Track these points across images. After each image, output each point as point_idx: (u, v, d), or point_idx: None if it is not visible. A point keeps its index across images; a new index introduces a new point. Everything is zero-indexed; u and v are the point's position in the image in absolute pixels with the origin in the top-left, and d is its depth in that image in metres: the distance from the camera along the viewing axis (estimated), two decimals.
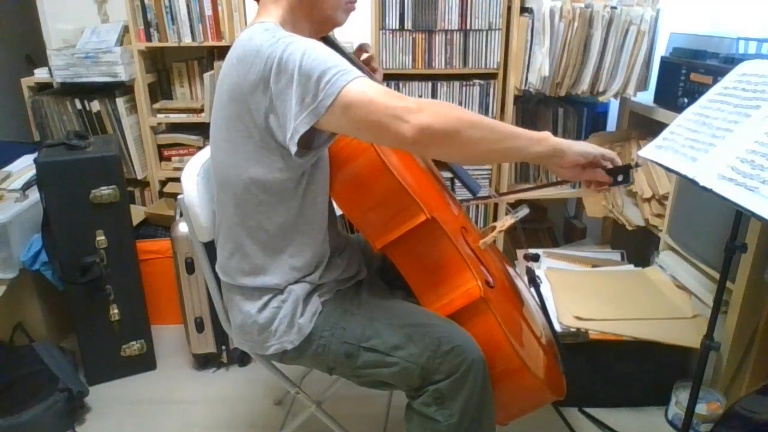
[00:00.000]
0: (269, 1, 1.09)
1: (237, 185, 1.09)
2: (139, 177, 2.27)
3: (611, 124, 2.29)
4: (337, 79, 0.92)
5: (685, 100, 1.79)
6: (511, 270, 1.50)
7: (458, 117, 0.94)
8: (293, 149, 0.99)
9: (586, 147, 1.07)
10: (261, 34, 0.99)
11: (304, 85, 0.94)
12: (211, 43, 2.13)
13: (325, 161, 1.12)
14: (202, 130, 2.26)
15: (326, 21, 1.13)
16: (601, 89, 1.99)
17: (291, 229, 1.12)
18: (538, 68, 1.93)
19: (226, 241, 1.17)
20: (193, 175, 1.25)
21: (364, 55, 1.33)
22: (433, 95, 2.13)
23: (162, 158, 2.31)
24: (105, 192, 1.74)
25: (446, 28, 2.04)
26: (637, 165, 1.05)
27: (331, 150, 1.13)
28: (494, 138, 0.98)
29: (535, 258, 1.75)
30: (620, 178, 1.07)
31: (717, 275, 1.48)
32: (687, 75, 1.80)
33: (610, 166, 1.10)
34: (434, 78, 2.11)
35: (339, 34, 1.29)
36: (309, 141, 1.02)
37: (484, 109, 2.14)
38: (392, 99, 0.92)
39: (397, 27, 2.04)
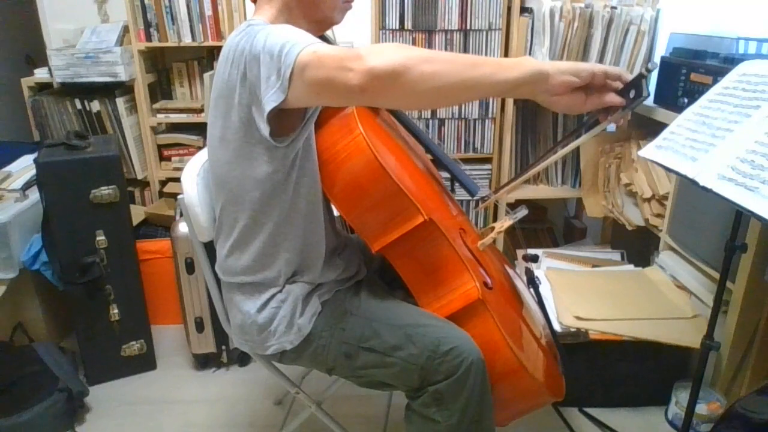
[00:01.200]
0: (264, 0, 1.10)
1: (231, 182, 1.10)
2: (139, 177, 2.27)
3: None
4: (292, 48, 0.90)
5: (685, 100, 1.78)
6: (510, 271, 1.50)
7: (408, 53, 0.85)
8: (265, 130, 0.98)
9: (577, 64, 0.92)
10: (242, 31, 1.01)
11: (268, 64, 0.93)
12: (211, 43, 2.13)
13: (314, 152, 1.12)
14: (202, 130, 2.26)
15: (324, 21, 1.13)
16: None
17: (286, 222, 1.12)
18: None
19: (225, 239, 1.17)
20: (193, 175, 1.25)
21: None
22: None
23: (162, 158, 2.32)
24: (105, 192, 1.74)
25: (446, 28, 2.04)
26: (648, 71, 0.86)
27: (328, 151, 1.13)
28: (453, 69, 0.86)
29: (534, 259, 1.74)
30: (632, 93, 0.90)
31: (717, 275, 1.48)
32: (687, 75, 1.80)
33: (619, 85, 0.94)
34: None
35: (339, 34, 1.29)
36: (285, 126, 1.02)
37: (484, 109, 2.14)
38: (341, 51, 0.87)
39: (397, 27, 2.04)
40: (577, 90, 0.93)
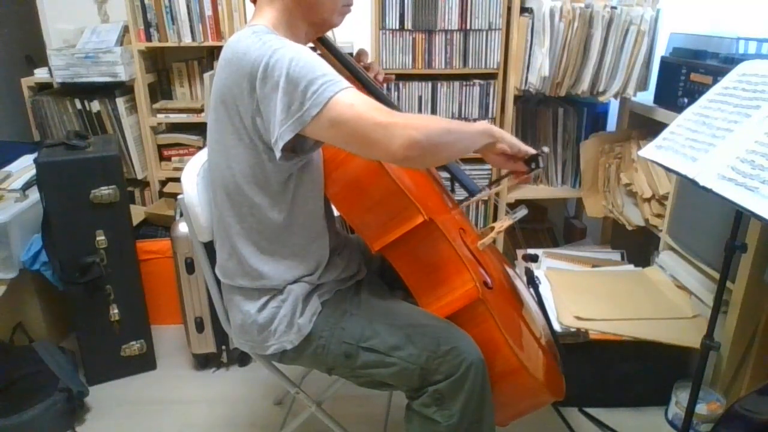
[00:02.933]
0: (265, 2, 1.09)
1: (229, 186, 1.10)
2: (139, 177, 2.27)
3: (611, 124, 2.29)
4: (324, 89, 0.92)
5: (685, 100, 1.79)
6: (510, 271, 1.50)
7: (438, 127, 0.96)
8: (278, 155, 0.99)
9: (514, 138, 1.14)
10: (248, 37, 1.00)
11: (291, 93, 0.94)
12: (211, 43, 2.13)
13: (315, 165, 1.12)
14: (202, 130, 2.26)
15: (323, 23, 1.14)
16: (601, 89, 1.99)
17: (284, 231, 1.12)
18: (538, 68, 1.93)
19: (224, 243, 1.18)
20: (193, 175, 1.25)
21: (368, 63, 1.33)
22: (433, 95, 2.13)
23: (162, 158, 2.32)
24: (105, 192, 1.74)
25: (446, 28, 2.04)
26: (542, 152, 1.17)
27: (327, 152, 1.13)
28: (460, 139, 1.02)
29: (534, 259, 1.75)
30: (533, 165, 1.18)
31: (717, 275, 1.48)
32: (687, 75, 1.80)
33: (530, 154, 1.17)
34: (434, 78, 2.11)
35: (340, 34, 1.29)
36: (295, 146, 1.03)
37: (484, 109, 2.14)
38: (380, 114, 0.92)
39: (397, 27, 2.04)
40: (503, 154, 1.15)
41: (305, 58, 0.95)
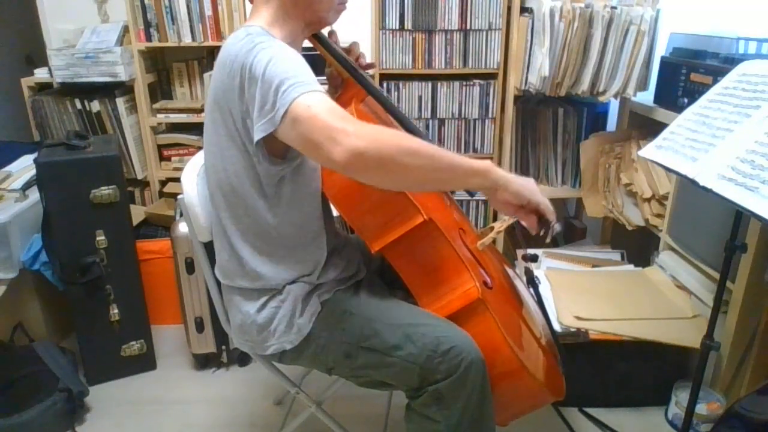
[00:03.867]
0: (261, 2, 1.10)
1: (225, 188, 1.10)
2: (139, 177, 2.27)
3: (611, 124, 2.29)
4: (291, 90, 0.92)
5: (685, 100, 1.79)
6: (510, 271, 1.50)
7: (396, 144, 0.91)
8: (257, 156, 1.00)
9: (522, 189, 1.05)
10: (242, 39, 1.01)
11: (265, 94, 0.94)
12: (211, 43, 2.13)
13: (310, 167, 1.12)
14: (201, 130, 2.23)
15: (318, 21, 1.14)
16: (601, 89, 1.99)
17: (281, 232, 1.12)
18: (538, 68, 1.93)
19: (222, 245, 1.18)
20: (193, 175, 1.26)
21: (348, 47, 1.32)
22: (433, 95, 2.13)
23: (162, 158, 2.32)
24: (105, 192, 1.74)
25: (446, 28, 2.04)
26: (557, 232, 1.09)
27: None
28: (432, 167, 0.95)
29: (534, 259, 1.75)
30: (542, 231, 1.09)
31: (717, 275, 1.48)
32: (687, 75, 1.80)
33: (547, 217, 1.10)
34: (434, 78, 2.11)
35: (339, 34, 1.28)
36: (281, 150, 1.03)
37: (484, 109, 2.14)
38: (333, 119, 0.90)
39: (397, 27, 2.04)
40: (508, 204, 1.07)
41: (283, 59, 0.95)
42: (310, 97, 0.91)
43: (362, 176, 0.94)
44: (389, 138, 0.91)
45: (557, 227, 1.11)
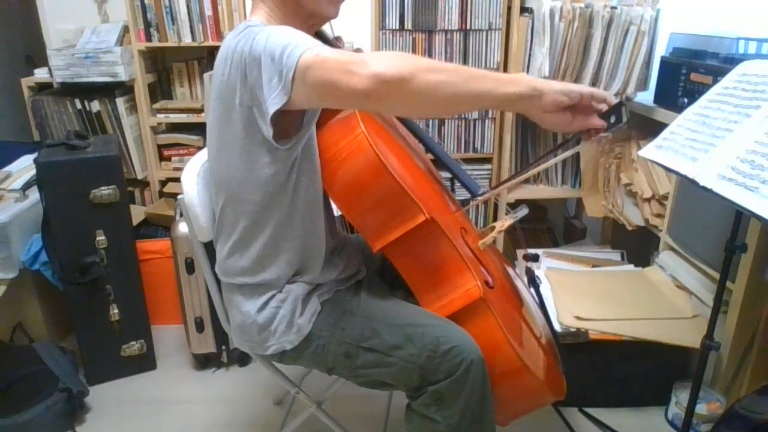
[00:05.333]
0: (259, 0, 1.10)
1: (231, 184, 1.10)
2: (139, 177, 2.27)
3: None
4: (294, 50, 0.91)
5: (685, 100, 1.79)
6: (510, 270, 1.50)
7: (414, 61, 0.87)
8: (268, 132, 0.98)
9: (568, 85, 0.96)
10: (241, 32, 1.01)
11: (269, 67, 0.94)
12: (211, 43, 2.13)
13: (314, 152, 1.12)
14: (202, 130, 2.24)
15: (314, 15, 1.12)
16: (601, 89, 1.99)
17: (285, 224, 1.12)
18: (538, 68, 1.93)
19: (225, 241, 1.17)
20: (193, 175, 1.25)
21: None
22: None
23: (162, 158, 2.31)
24: (105, 192, 1.74)
25: (446, 28, 2.04)
26: (628, 99, 0.96)
27: (329, 150, 1.13)
28: (456, 80, 0.89)
29: (535, 258, 1.75)
30: (613, 119, 0.97)
31: (717, 275, 1.48)
32: (687, 75, 1.80)
33: (604, 107, 1.00)
34: None
35: (339, 34, 1.29)
36: (286, 128, 1.02)
37: (485, 110, 2.14)
38: (345, 55, 0.88)
39: (397, 27, 2.04)
40: (566, 109, 0.97)
41: (280, 32, 0.95)
42: (314, 50, 0.90)
43: (388, 103, 0.90)
44: (407, 57, 0.88)
45: (625, 97, 0.97)
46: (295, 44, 0.91)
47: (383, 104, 0.91)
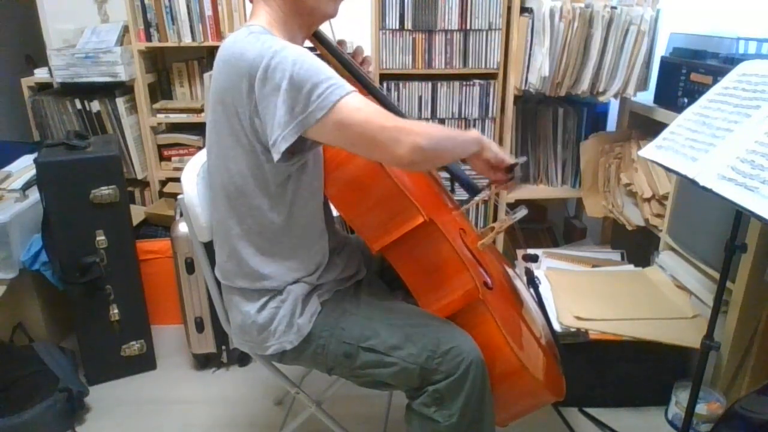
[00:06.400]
0: (260, 2, 1.09)
1: (228, 188, 1.10)
2: (139, 177, 2.27)
3: (611, 124, 2.29)
4: (330, 92, 0.94)
5: (685, 100, 1.79)
6: (510, 271, 1.50)
7: (438, 134, 1.02)
8: (276, 156, 1.00)
9: (498, 149, 1.18)
10: (245, 37, 1.00)
11: (294, 96, 0.95)
12: (211, 43, 2.13)
13: (314, 165, 1.12)
14: (202, 130, 2.24)
15: (313, 13, 1.12)
16: (601, 89, 1.99)
17: (284, 233, 1.12)
18: (538, 68, 1.93)
19: (223, 245, 1.18)
20: (193, 175, 1.25)
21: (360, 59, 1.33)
22: (433, 95, 2.13)
23: (162, 158, 2.32)
24: (105, 192, 1.74)
25: (446, 28, 2.04)
26: (519, 161, 1.21)
27: (328, 153, 1.13)
28: (456, 145, 1.09)
29: (534, 259, 1.75)
30: (510, 175, 1.22)
31: (717, 275, 1.48)
32: (687, 75, 1.80)
33: (507, 163, 1.20)
34: (434, 78, 2.11)
35: (339, 34, 1.29)
36: (294, 148, 1.02)
37: (484, 109, 2.14)
38: (387, 119, 0.96)
39: (397, 27, 2.04)
40: (487, 163, 1.18)
41: (309, 61, 0.96)
42: (354, 99, 0.96)
43: (420, 167, 1.17)
44: (433, 129, 1.02)
45: (522, 158, 1.26)
46: (330, 83, 0.95)
47: (415, 168, 1.14)
